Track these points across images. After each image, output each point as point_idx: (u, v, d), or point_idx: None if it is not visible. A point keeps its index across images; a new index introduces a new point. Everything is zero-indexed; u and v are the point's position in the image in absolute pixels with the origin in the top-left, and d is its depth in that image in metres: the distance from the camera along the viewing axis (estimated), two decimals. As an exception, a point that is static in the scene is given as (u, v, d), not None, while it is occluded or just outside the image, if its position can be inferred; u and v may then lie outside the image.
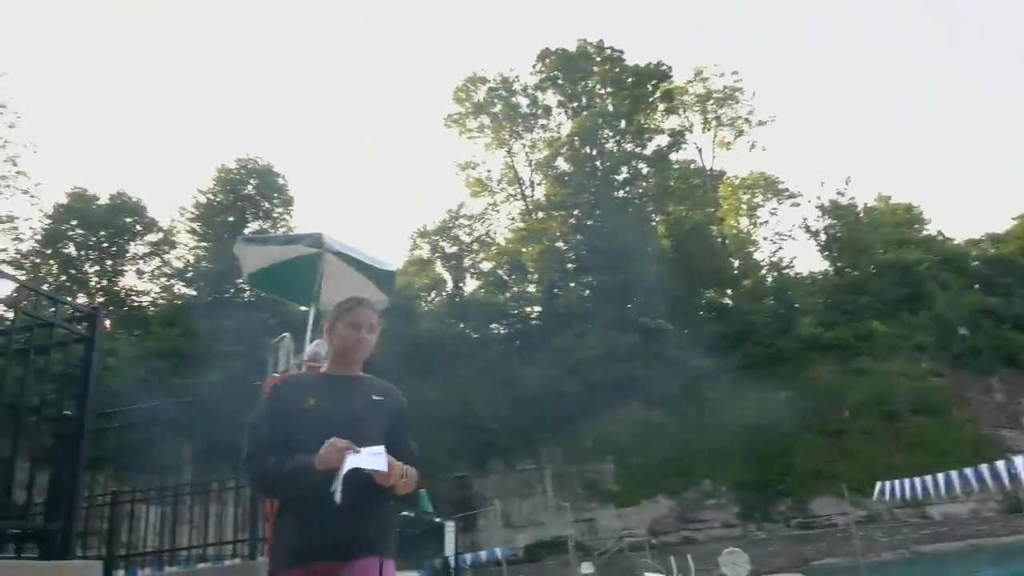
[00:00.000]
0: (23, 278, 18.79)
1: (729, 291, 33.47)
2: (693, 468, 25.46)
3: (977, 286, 33.09)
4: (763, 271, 33.76)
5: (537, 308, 34.15)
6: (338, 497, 1.66)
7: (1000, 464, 12.84)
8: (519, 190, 38.60)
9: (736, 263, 34.20)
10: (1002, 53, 69.76)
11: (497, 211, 38.76)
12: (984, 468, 13.15)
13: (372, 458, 1.71)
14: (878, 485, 15.67)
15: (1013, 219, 36.87)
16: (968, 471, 13.50)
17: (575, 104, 37.96)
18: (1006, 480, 13.12)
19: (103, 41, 70.09)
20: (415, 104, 79.49)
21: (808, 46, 67.95)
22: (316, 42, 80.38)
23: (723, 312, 31.83)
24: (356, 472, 1.67)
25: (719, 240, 34.88)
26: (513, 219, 38.25)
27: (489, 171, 39.38)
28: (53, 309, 3.02)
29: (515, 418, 26.90)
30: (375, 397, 2.02)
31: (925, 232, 33.29)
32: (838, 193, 34.00)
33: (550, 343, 29.26)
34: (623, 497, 25.88)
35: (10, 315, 4.57)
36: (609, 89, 37.41)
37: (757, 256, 34.51)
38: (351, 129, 74.19)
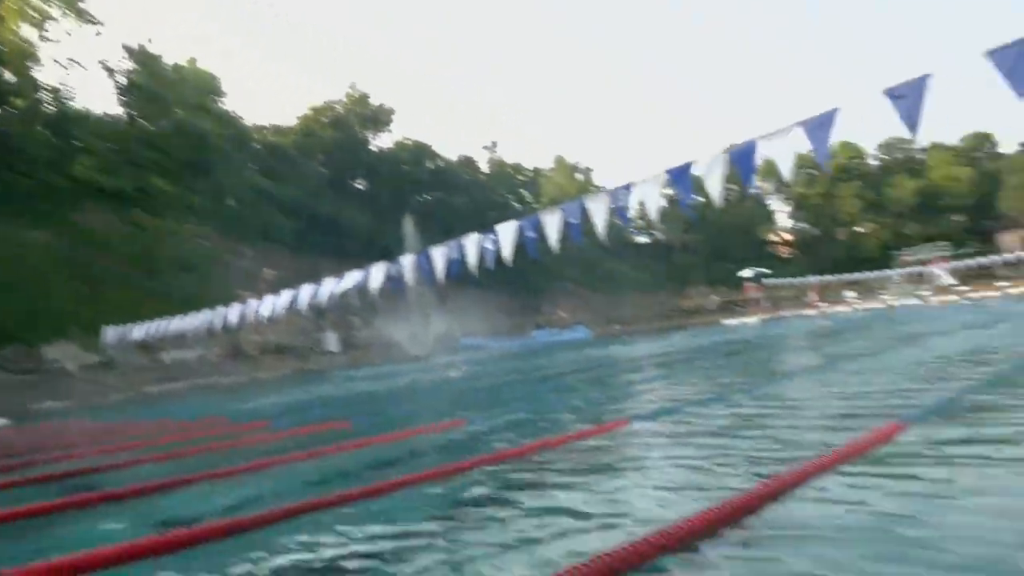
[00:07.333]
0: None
1: (-2, 107, 27.72)
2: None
3: (256, 167, 37.23)
4: (43, 93, 29.25)
5: None
6: None
7: (221, 313, 14.99)
8: None
9: (9, 76, 28.47)
10: None
11: None
12: (208, 316, 15.12)
13: None
14: (105, 330, 16.01)
15: (297, 117, 42.90)
16: (193, 319, 15.28)
17: None
18: (230, 327, 15.39)
19: None
20: None
21: None
22: None
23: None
24: None
25: (-7, 43, 28.19)
26: None
27: None
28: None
29: None
30: None
31: (222, 105, 34.93)
32: (148, 40, 32.17)
33: None
34: None
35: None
36: None
37: (39, 75, 29.50)
38: None
